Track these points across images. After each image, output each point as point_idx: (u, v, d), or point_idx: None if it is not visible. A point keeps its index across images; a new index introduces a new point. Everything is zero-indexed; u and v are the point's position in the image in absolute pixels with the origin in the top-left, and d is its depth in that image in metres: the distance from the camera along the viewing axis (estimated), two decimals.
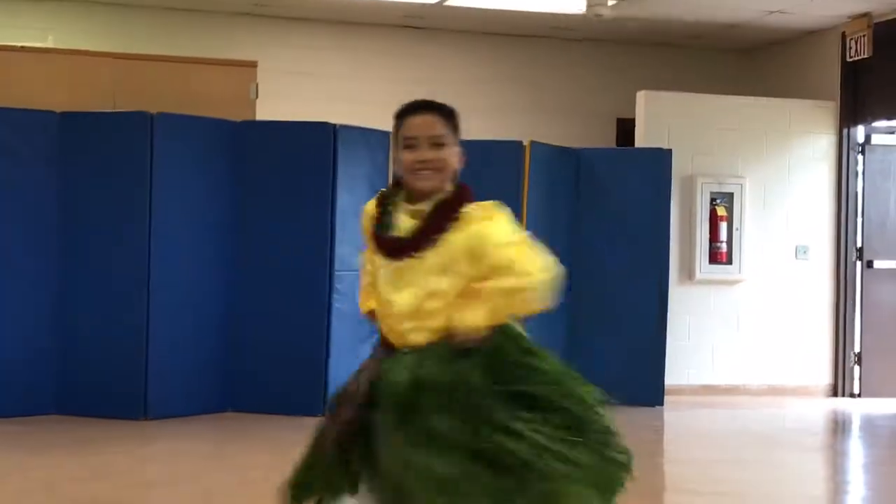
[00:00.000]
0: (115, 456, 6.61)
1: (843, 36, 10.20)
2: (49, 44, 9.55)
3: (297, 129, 8.27)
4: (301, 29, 10.85)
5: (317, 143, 8.13)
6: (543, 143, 9.20)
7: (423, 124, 3.20)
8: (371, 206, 3.22)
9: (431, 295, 3.05)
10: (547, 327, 9.08)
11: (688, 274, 9.88)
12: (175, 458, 6.78)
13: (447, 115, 3.26)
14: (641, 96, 10.00)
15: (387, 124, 9.54)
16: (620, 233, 9.17)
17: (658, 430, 8.34)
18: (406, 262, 3.07)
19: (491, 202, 3.22)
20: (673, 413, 8.97)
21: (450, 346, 3.00)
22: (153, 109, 7.83)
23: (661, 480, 6.70)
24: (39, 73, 8.46)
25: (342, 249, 8.11)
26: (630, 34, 11.12)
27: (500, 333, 3.11)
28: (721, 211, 9.95)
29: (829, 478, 7.08)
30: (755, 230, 10.07)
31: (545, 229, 9.02)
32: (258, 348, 8.09)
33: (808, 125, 10.25)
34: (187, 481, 6.01)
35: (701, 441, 8.02)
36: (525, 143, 9.00)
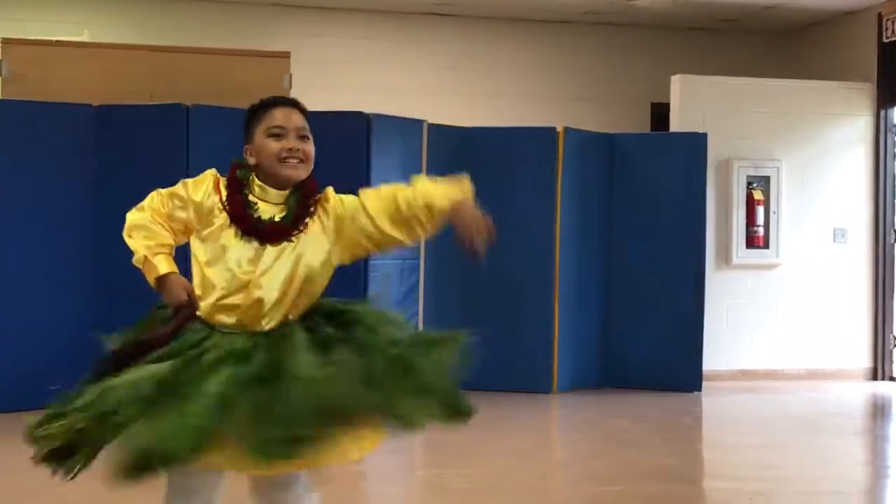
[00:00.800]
0: None
1: (880, 17, 10.11)
2: (85, 38, 9.61)
3: (331, 119, 8.26)
4: (333, 19, 10.87)
5: (351, 133, 8.15)
6: (577, 129, 9.18)
7: (290, 116, 3.36)
8: (216, 180, 3.33)
9: (299, 277, 3.25)
10: (583, 313, 9.10)
11: (724, 259, 9.84)
12: None
13: (306, 112, 3.46)
14: (676, 80, 9.96)
15: (420, 112, 9.59)
16: (656, 218, 9.14)
17: (696, 416, 8.32)
18: (278, 246, 3.24)
19: (328, 189, 3.47)
20: (711, 398, 8.94)
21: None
22: (188, 101, 7.88)
23: (699, 466, 6.69)
24: (76, 66, 8.52)
25: None
26: (664, 18, 11.07)
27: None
28: (757, 195, 9.90)
29: (869, 462, 7.04)
30: (792, 214, 10.01)
31: (580, 215, 9.03)
32: None
33: (844, 107, 10.17)
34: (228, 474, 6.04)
35: (739, 426, 7.99)
36: (559, 129, 8.98)
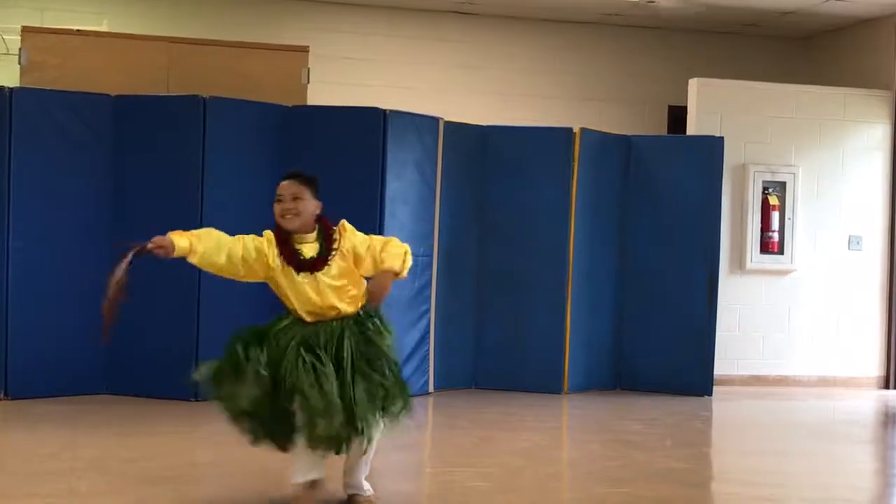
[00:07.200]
0: (165, 436, 6.68)
1: None
2: (104, 28, 9.64)
3: (347, 115, 8.30)
4: (352, 15, 10.88)
5: (367, 129, 8.16)
6: (594, 130, 9.17)
7: (286, 186, 4.82)
8: (271, 237, 4.83)
9: (338, 289, 4.81)
10: (596, 315, 9.08)
11: (738, 263, 9.82)
12: (224, 440, 6.82)
13: (305, 179, 4.85)
14: (694, 83, 9.94)
15: (437, 110, 9.58)
16: (671, 221, 9.12)
17: (706, 420, 8.30)
18: (321, 273, 4.78)
19: (343, 220, 4.91)
20: (721, 403, 8.92)
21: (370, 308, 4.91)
22: (206, 93, 7.89)
23: (708, 470, 6.68)
24: (94, 56, 8.55)
25: (390, 235, 8.13)
26: (683, 21, 11.05)
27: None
28: (773, 200, 9.87)
29: (879, 471, 7.02)
30: (808, 220, 9.99)
31: (594, 216, 9.02)
32: None
33: (862, 114, 10.14)
34: (235, 463, 6.06)
35: (749, 432, 7.97)
36: (575, 129, 8.97)
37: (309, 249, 4.81)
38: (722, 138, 9.23)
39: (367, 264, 4.87)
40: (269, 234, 4.84)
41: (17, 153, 7.63)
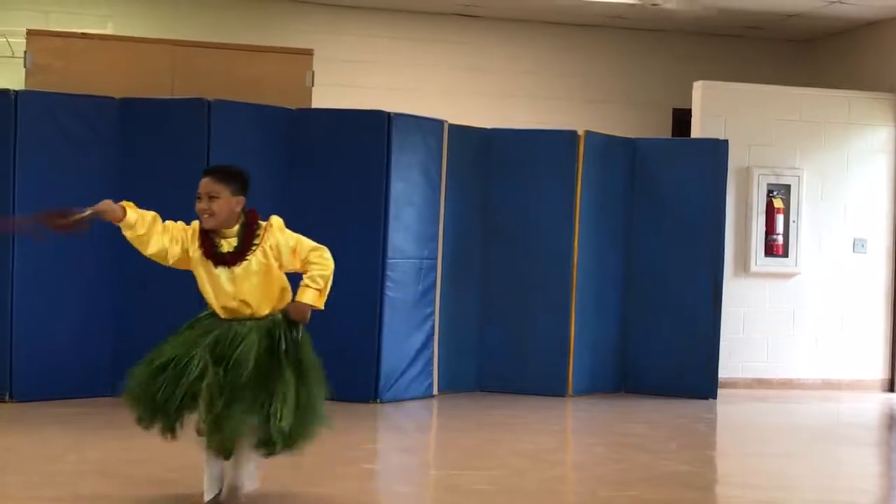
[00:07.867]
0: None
1: None
2: (109, 31, 9.65)
3: (351, 117, 8.31)
4: (356, 17, 10.89)
5: (371, 131, 8.16)
6: (598, 133, 9.17)
7: (203, 185, 4.79)
8: (196, 228, 4.84)
9: (255, 286, 4.79)
10: (600, 318, 9.08)
11: (743, 266, 9.81)
12: None
13: (223, 176, 4.84)
14: (698, 86, 9.93)
15: (441, 112, 9.56)
16: (675, 224, 9.12)
17: (710, 423, 8.30)
18: (238, 267, 4.76)
19: (273, 217, 4.90)
20: (726, 406, 8.91)
21: (282, 317, 4.81)
22: (210, 96, 7.90)
23: (713, 473, 6.68)
24: (99, 59, 8.56)
25: (395, 237, 8.15)
26: (687, 24, 11.05)
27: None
28: (778, 203, 9.86)
29: (883, 473, 7.01)
30: (812, 223, 9.98)
31: (599, 219, 9.02)
32: None
33: (867, 117, 10.13)
34: None
35: (753, 434, 7.97)
36: (580, 132, 8.97)
37: (228, 244, 4.81)
38: (726, 141, 9.23)
39: (291, 264, 4.84)
40: (195, 224, 4.87)
41: (22, 155, 7.64)
